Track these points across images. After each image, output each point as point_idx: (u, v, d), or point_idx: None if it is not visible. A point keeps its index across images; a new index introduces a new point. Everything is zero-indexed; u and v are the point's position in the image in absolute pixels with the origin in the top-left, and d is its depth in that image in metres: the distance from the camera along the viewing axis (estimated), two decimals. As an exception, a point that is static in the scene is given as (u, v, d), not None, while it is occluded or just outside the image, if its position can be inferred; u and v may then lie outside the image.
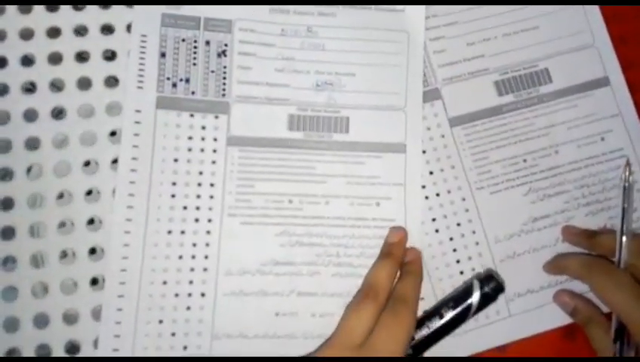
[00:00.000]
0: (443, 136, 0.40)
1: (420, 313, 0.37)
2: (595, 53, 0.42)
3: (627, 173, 0.38)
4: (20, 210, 0.37)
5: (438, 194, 0.40)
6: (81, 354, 0.36)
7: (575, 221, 0.40)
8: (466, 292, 0.37)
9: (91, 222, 0.37)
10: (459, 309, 0.36)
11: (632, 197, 0.37)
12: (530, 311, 0.39)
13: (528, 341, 0.38)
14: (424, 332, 0.36)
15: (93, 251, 0.37)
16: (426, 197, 0.40)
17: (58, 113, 0.38)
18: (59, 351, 0.36)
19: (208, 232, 0.37)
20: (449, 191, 0.40)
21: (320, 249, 0.38)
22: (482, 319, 0.38)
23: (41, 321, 0.36)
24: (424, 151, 0.40)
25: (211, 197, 0.38)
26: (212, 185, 0.38)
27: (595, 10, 0.43)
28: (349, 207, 0.39)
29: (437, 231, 0.39)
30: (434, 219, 0.39)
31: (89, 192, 0.37)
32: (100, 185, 0.37)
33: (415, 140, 0.40)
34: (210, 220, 0.37)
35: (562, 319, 0.39)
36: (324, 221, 0.38)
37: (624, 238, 0.36)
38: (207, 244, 0.37)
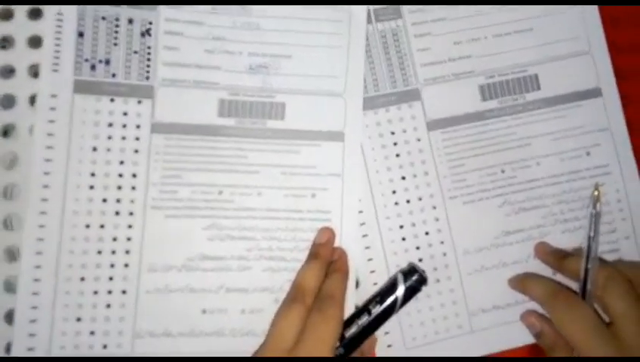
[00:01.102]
0: (419, 140, 0.38)
1: (350, 311, 0.35)
2: (589, 62, 0.39)
3: (595, 199, 0.35)
4: None
5: (408, 201, 0.38)
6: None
7: (551, 237, 0.38)
8: (391, 287, 0.35)
9: (4, 220, 0.35)
10: (385, 304, 0.35)
11: (599, 225, 0.35)
12: (494, 328, 0.38)
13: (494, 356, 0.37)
14: (354, 329, 0.34)
15: (6, 251, 0.35)
16: (396, 203, 0.38)
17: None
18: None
19: (130, 226, 0.35)
20: (420, 199, 0.38)
21: (251, 243, 0.36)
22: (443, 332, 0.37)
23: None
24: (397, 155, 0.38)
25: (133, 188, 0.35)
26: (134, 175, 0.36)
27: (594, 12, 0.40)
28: (283, 199, 0.37)
29: (404, 239, 0.38)
30: (402, 226, 0.38)
31: (4, 189, 0.35)
32: (15, 177, 0.35)
33: (354, 128, 0.37)
34: (131, 213, 0.35)
35: (527, 338, 0.37)
36: (257, 213, 0.36)
37: (590, 268, 0.34)
38: (129, 239, 0.35)
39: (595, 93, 0.39)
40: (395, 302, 0.35)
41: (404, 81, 0.38)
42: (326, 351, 0.32)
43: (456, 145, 0.38)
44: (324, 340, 0.32)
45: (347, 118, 0.37)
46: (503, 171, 0.38)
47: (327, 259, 0.35)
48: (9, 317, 0.34)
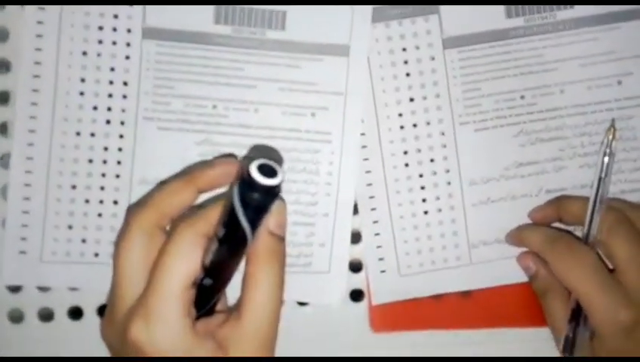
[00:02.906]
0: (433, 59, 0.35)
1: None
2: None
3: (610, 138, 0.32)
4: None
5: (415, 125, 0.35)
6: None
7: (566, 172, 0.35)
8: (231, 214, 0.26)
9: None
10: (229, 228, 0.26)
11: (611, 166, 0.32)
12: (494, 261, 0.36)
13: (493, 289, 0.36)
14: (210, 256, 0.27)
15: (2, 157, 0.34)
16: (401, 127, 0.35)
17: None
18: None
19: (121, 136, 0.34)
20: (428, 123, 0.35)
21: (245, 160, 0.35)
22: (440, 262, 0.36)
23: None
24: (407, 75, 0.35)
25: (124, 97, 0.34)
26: (125, 83, 0.34)
27: None
28: (281, 116, 0.35)
29: (407, 165, 0.35)
30: (405, 152, 0.35)
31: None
32: (7, 83, 0.34)
33: (361, 42, 0.34)
34: (122, 123, 0.34)
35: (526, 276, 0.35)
36: (252, 131, 0.35)
37: (596, 211, 0.31)
38: (120, 149, 0.34)
39: (636, 14, 0.35)
40: (237, 221, 0.25)
41: (421, -9, 0.35)
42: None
43: (473, 67, 0.35)
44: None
45: (354, 30, 0.34)
46: (522, 97, 0.35)
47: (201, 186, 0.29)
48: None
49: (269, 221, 0.26)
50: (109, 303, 0.29)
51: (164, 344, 0.26)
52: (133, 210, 0.29)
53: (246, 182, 0.24)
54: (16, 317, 0.35)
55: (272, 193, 0.25)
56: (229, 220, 0.25)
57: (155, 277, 0.26)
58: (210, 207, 0.28)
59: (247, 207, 0.25)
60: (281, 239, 0.27)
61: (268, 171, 0.24)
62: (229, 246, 0.26)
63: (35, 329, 0.35)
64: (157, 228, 0.28)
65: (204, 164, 0.31)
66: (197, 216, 0.27)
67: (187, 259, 0.26)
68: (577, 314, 0.32)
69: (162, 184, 0.31)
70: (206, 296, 0.28)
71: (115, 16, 0.34)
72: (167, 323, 0.26)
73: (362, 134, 0.35)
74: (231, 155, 0.34)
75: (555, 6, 0.35)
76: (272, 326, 0.27)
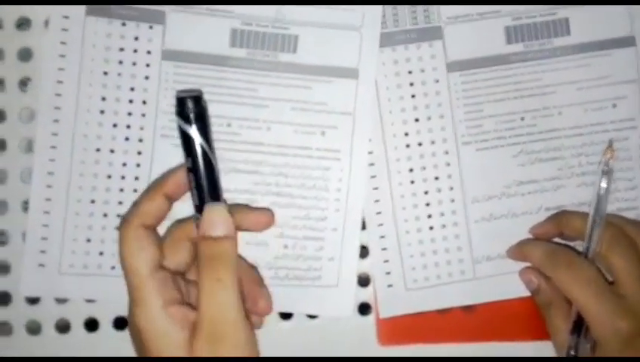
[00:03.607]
0: (437, 82, 0.36)
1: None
2: (623, 8, 0.36)
3: (608, 157, 0.33)
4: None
5: (420, 144, 0.37)
6: (11, 273, 0.36)
7: (565, 191, 0.37)
8: (181, 135, 0.30)
9: (19, 143, 0.36)
10: (188, 149, 0.30)
11: (610, 182, 0.33)
12: (497, 276, 0.37)
13: (497, 303, 0.37)
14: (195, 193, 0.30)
15: (22, 173, 0.36)
16: (407, 145, 0.37)
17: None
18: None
19: (139, 153, 0.36)
20: (433, 142, 0.37)
21: (258, 177, 0.36)
22: (445, 277, 0.37)
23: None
24: (413, 96, 0.36)
25: (143, 115, 0.36)
26: (144, 102, 0.35)
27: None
28: (292, 135, 0.36)
29: (412, 182, 0.37)
30: (411, 170, 0.37)
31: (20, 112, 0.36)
32: (28, 101, 0.35)
33: (369, 65, 0.36)
34: (141, 140, 0.36)
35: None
36: (264, 148, 0.36)
37: (596, 225, 0.33)
38: (138, 165, 0.36)
39: (628, 42, 0.37)
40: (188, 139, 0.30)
41: (425, 18, 0.36)
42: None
43: (475, 89, 0.37)
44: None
45: (362, 54, 0.36)
46: (522, 119, 0.37)
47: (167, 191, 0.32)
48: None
49: (199, 228, 0.30)
50: None
51: (143, 323, 0.29)
52: (121, 221, 0.32)
53: (177, 102, 0.30)
54: (34, 329, 0.36)
55: (197, 101, 0.30)
56: (185, 145, 0.30)
57: (124, 271, 0.30)
58: (140, 202, 0.31)
59: (186, 120, 0.30)
60: (217, 240, 0.29)
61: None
62: (194, 163, 0.30)
63: (52, 341, 0.36)
64: (141, 229, 0.30)
65: (166, 172, 0.33)
66: (130, 212, 0.31)
67: (137, 252, 0.30)
68: (579, 326, 0.33)
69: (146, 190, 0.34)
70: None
71: (136, 39, 0.35)
72: (142, 305, 0.29)
73: (370, 152, 0.37)
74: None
75: (552, 33, 0.37)
76: (226, 322, 0.28)
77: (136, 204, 0.32)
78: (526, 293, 0.37)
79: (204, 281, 0.29)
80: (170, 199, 0.32)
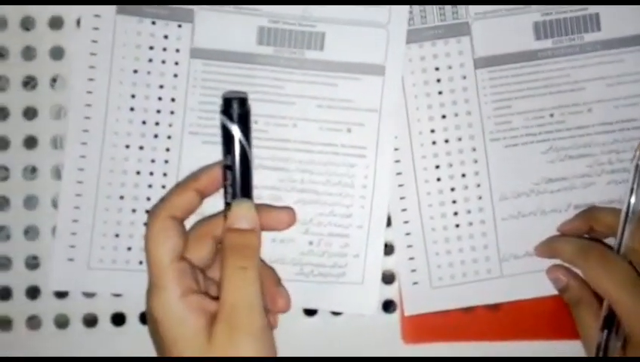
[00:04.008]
0: (464, 78, 0.36)
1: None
2: None
3: None
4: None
5: (447, 141, 0.37)
6: (40, 267, 0.36)
7: (595, 188, 0.36)
8: (223, 134, 0.32)
9: (53, 139, 0.36)
10: (230, 147, 0.31)
11: None
12: (524, 274, 0.37)
13: (523, 302, 0.37)
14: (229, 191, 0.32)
15: (53, 169, 0.36)
16: (434, 142, 0.37)
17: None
18: (19, 265, 0.36)
19: (168, 149, 0.36)
20: (460, 139, 0.37)
21: (283, 174, 0.36)
22: (471, 275, 0.37)
23: (3, 236, 0.36)
24: (440, 93, 0.36)
25: (172, 112, 0.36)
26: (173, 100, 0.36)
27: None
28: (318, 132, 0.36)
29: (439, 179, 0.37)
30: (437, 167, 0.37)
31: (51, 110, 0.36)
32: (61, 99, 0.36)
33: (396, 62, 0.36)
34: (169, 137, 0.36)
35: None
36: (290, 145, 0.36)
37: (628, 221, 0.32)
38: (167, 161, 0.36)
39: (659, 37, 0.36)
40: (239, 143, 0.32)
41: (453, 14, 0.36)
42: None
43: (503, 85, 0.37)
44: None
45: (389, 51, 0.36)
46: (551, 115, 0.37)
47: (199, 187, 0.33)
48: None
49: (227, 220, 0.31)
50: None
51: (161, 310, 0.30)
52: (150, 211, 0.33)
53: (224, 102, 0.32)
54: (62, 323, 0.36)
55: (242, 103, 0.32)
56: (225, 143, 0.32)
57: (147, 258, 0.31)
58: (171, 194, 0.33)
59: (230, 119, 0.31)
60: (242, 231, 0.31)
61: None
62: (232, 161, 0.31)
63: (79, 335, 0.36)
64: (168, 220, 0.31)
65: (201, 168, 0.34)
66: (162, 203, 0.32)
67: (162, 241, 0.31)
68: (610, 322, 0.33)
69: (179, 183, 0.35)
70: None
71: (165, 37, 0.36)
72: (161, 293, 0.30)
73: (396, 149, 0.37)
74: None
75: (582, 28, 0.36)
76: (247, 310, 0.29)
77: (167, 196, 0.33)
78: (553, 292, 0.36)
79: (227, 268, 0.30)
80: (202, 194, 0.32)
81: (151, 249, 0.31)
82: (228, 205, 0.31)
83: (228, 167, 0.31)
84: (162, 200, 0.33)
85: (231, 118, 0.31)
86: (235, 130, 0.31)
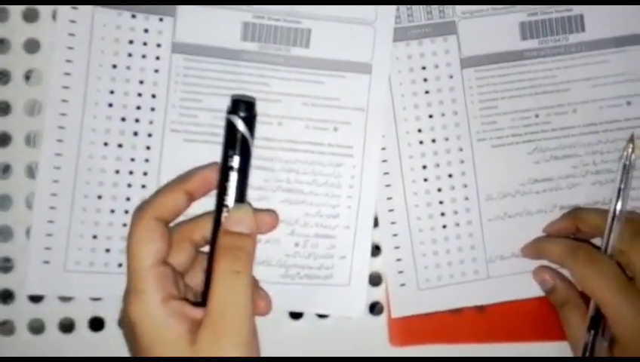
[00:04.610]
0: (451, 77, 0.36)
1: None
2: (639, 6, 0.36)
3: (630, 151, 0.33)
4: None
5: (434, 140, 0.36)
6: (14, 270, 0.35)
7: (580, 189, 0.36)
8: (230, 134, 0.31)
9: (27, 136, 0.35)
10: (237, 148, 0.31)
11: (631, 177, 0.33)
12: (511, 275, 0.36)
13: (510, 303, 0.36)
14: (230, 192, 0.31)
15: (27, 168, 0.35)
16: (420, 142, 0.36)
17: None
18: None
19: (148, 148, 0.35)
20: (446, 139, 0.36)
21: (269, 173, 0.35)
22: (458, 276, 0.36)
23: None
24: (427, 92, 0.36)
25: (152, 109, 0.35)
26: (154, 96, 0.35)
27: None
28: (304, 130, 0.36)
29: (425, 179, 0.36)
30: (424, 167, 0.36)
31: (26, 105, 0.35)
32: (36, 93, 0.35)
33: (382, 61, 0.36)
34: (150, 135, 0.35)
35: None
36: (276, 144, 0.35)
37: (615, 222, 0.32)
38: (147, 160, 0.35)
39: (642, 38, 0.36)
40: (241, 140, 0.31)
41: (440, 12, 0.36)
42: None
43: (489, 85, 0.36)
44: None
45: (376, 49, 0.35)
46: (537, 116, 0.36)
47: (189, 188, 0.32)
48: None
49: (225, 222, 0.30)
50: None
51: (140, 315, 0.29)
52: (135, 211, 0.31)
53: (233, 104, 0.31)
54: (37, 328, 0.35)
55: (250, 106, 0.31)
56: (228, 144, 0.31)
57: (128, 259, 0.30)
58: (159, 194, 0.31)
59: (239, 119, 0.31)
60: (240, 235, 0.30)
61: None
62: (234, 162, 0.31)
63: (56, 340, 0.35)
64: (154, 221, 0.30)
65: (192, 169, 0.33)
66: (148, 203, 0.31)
67: (146, 242, 0.29)
68: (596, 323, 0.32)
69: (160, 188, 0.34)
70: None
71: (146, 31, 0.35)
72: (141, 296, 0.29)
73: (383, 149, 0.36)
74: (215, 163, 0.33)
75: (567, 29, 0.36)
76: (237, 317, 0.28)
77: (154, 196, 0.31)
78: (540, 293, 0.36)
79: (221, 272, 0.29)
80: (191, 197, 0.31)
81: (133, 250, 0.29)
82: (223, 207, 0.30)
83: (228, 169, 0.31)
84: (149, 200, 0.32)
85: (239, 120, 0.31)
86: (245, 132, 0.31)
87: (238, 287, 0.28)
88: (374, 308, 0.37)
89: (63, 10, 0.34)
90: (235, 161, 0.31)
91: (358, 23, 0.35)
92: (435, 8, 0.36)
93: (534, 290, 0.36)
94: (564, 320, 0.34)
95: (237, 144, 0.31)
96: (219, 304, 0.28)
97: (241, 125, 0.31)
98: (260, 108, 0.35)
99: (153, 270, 0.29)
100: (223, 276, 0.28)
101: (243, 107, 0.31)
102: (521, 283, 0.36)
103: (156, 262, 0.29)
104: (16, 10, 0.35)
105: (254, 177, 0.35)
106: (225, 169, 0.31)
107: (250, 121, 0.31)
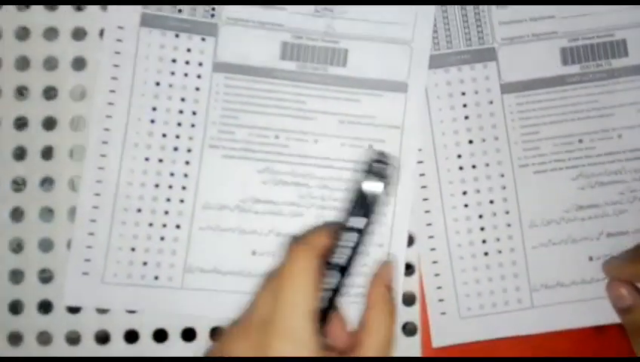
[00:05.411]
0: (491, 103, 0.36)
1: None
2: None
3: None
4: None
5: (474, 166, 0.36)
6: (53, 281, 0.35)
7: (627, 216, 0.36)
8: (357, 193, 0.33)
9: (70, 150, 0.36)
10: (360, 212, 0.32)
11: None
12: (556, 305, 0.35)
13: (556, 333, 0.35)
14: (345, 253, 0.32)
15: (69, 181, 0.36)
16: (460, 168, 0.36)
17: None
18: (32, 278, 0.35)
19: (187, 163, 0.36)
20: (487, 165, 0.36)
21: (304, 189, 0.36)
22: (501, 305, 0.35)
23: (17, 249, 0.36)
24: (466, 117, 0.36)
25: (192, 125, 0.36)
26: (194, 113, 0.36)
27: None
28: (339, 148, 0.36)
29: (466, 205, 0.36)
30: (465, 193, 0.36)
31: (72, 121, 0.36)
32: (82, 109, 0.36)
33: (419, 79, 0.36)
34: (189, 150, 0.36)
35: (591, 319, 0.35)
36: (311, 160, 0.36)
37: None
38: (186, 175, 0.36)
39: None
40: (366, 201, 0.33)
41: (479, 39, 0.36)
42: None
43: (531, 111, 0.36)
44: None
45: (412, 68, 0.36)
46: (580, 141, 0.36)
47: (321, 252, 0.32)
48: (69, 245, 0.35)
49: (383, 276, 0.34)
50: (249, 318, 0.31)
51: (289, 354, 0.28)
52: (295, 244, 0.32)
53: (369, 162, 0.33)
54: (74, 339, 0.35)
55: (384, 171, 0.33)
56: (359, 205, 0.32)
57: (284, 298, 0.29)
58: (319, 231, 0.33)
59: (375, 180, 0.33)
60: (391, 289, 0.33)
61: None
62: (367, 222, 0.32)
63: (91, 351, 0.35)
64: (317, 260, 0.31)
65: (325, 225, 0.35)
66: (310, 238, 0.32)
67: (309, 281, 0.30)
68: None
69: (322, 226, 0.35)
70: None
71: (188, 50, 0.36)
72: (299, 341, 0.29)
73: (422, 175, 0.36)
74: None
75: (609, 54, 0.36)
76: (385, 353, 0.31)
77: (315, 235, 0.32)
78: (587, 324, 0.35)
79: (383, 315, 0.32)
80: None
81: (292, 293, 0.29)
82: (334, 266, 0.32)
83: (349, 229, 0.32)
84: (313, 236, 0.32)
85: (376, 180, 0.33)
86: (379, 194, 0.32)
87: (391, 337, 0.31)
88: (405, 328, 0.36)
89: (110, 29, 0.35)
90: (359, 223, 0.32)
91: (394, 42, 0.36)
92: (474, 35, 0.36)
93: (581, 320, 0.35)
94: (636, 347, 0.32)
95: (366, 208, 0.32)
96: (375, 342, 0.31)
97: (376, 188, 0.32)
98: (296, 125, 0.36)
99: (312, 312, 0.29)
100: (381, 326, 0.31)
101: (380, 170, 0.33)
102: (567, 313, 0.35)
103: (316, 305, 0.30)
104: (65, 29, 0.36)
105: (290, 193, 0.36)
106: (343, 228, 0.32)
107: (386, 182, 0.33)
